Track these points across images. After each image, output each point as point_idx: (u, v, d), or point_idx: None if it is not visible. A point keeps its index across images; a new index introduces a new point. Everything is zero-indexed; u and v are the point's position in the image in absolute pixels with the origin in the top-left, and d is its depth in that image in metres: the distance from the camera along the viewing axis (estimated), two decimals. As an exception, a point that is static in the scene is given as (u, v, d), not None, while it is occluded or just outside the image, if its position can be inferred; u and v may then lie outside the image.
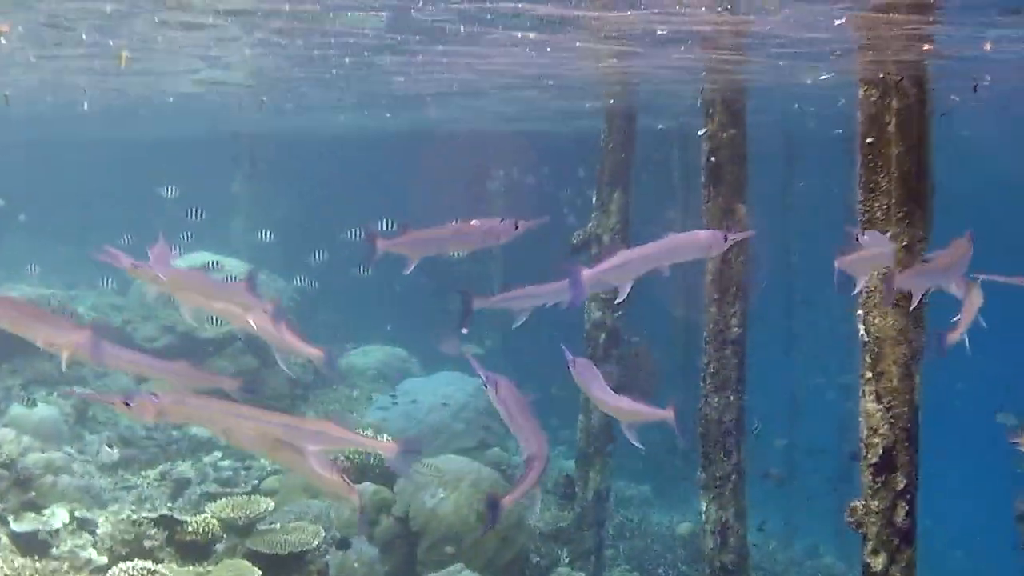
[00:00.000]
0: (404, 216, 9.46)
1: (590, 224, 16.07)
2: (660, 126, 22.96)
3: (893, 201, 9.22)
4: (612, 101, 18.14)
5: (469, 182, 30.58)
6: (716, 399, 12.76)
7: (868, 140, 9.39)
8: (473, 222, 9.17)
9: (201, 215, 18.22)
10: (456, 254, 10.75)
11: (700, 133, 12.74)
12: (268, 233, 20.82)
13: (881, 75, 9.52)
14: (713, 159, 12.59)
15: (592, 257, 15.69)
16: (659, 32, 11.87)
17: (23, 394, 17.53)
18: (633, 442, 8.62)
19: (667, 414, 8.59)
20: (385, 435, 16.58)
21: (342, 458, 14.61)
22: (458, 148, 29.90)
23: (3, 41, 14.00)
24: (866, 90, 9.46)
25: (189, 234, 17.87)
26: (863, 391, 9.48)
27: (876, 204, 9.33)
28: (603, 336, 15.96)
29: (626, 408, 8.74)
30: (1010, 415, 18.25)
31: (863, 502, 9.41)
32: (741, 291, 12.74)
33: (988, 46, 12.45)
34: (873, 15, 10.37)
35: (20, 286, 21.55)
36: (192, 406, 7.72)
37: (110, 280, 17.50)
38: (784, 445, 24.34)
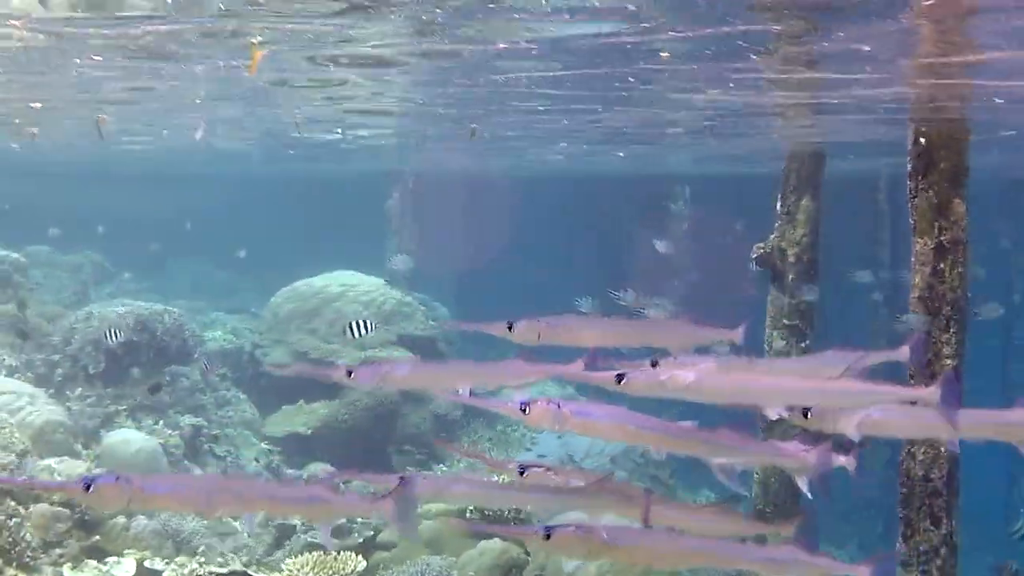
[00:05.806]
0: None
1: (773, 236, 13.34)
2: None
3: None
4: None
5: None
6: (922, 450, 9.87)
7: None
8: None
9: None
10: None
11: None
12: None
13: None
14: (923, 140, 9.76)
15: (777, 273, 13.03)
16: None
17: None
18: None
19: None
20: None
21: None
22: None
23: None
24: None
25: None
26: None
27: None
28: (784, 367, 13.09)
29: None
30: None
31: None
32: (957, 312, 9.84)
33: None
34: None
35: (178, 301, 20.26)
36: None
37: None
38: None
